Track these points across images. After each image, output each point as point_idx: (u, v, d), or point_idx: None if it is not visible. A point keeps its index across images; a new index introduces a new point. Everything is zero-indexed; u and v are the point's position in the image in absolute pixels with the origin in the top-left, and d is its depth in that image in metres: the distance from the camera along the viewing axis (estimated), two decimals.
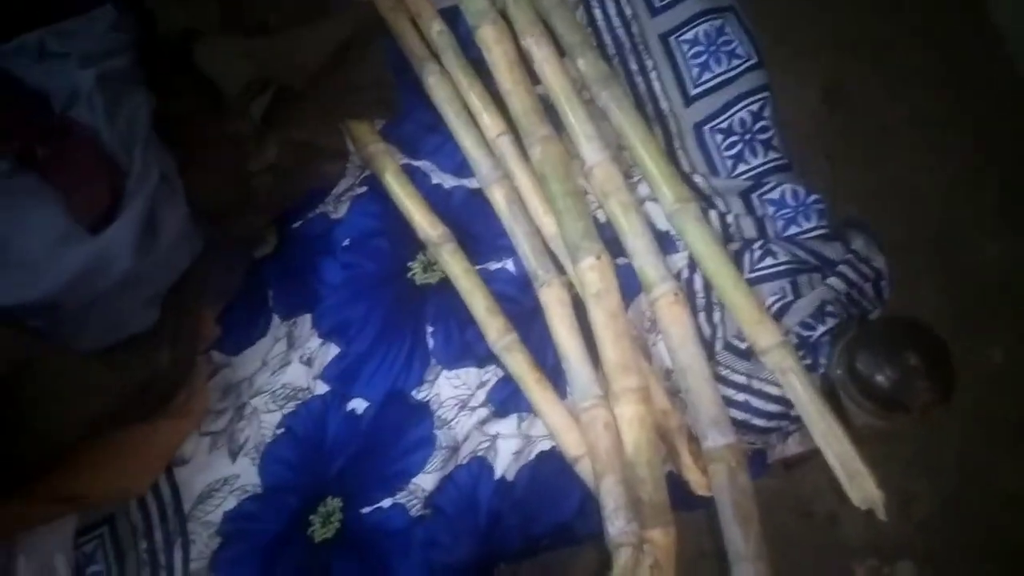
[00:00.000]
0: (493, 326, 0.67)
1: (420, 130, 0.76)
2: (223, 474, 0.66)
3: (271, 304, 0.72)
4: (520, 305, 0.69)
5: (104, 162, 0.63)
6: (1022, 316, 1.16)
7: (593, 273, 0.63)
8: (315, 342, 0.69)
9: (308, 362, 0.69)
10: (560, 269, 0.69)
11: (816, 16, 1.28)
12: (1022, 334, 1.14)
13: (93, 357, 0.61)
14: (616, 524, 0.55)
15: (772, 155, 0.67)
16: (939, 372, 0.56)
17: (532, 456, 0.65)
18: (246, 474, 0.65)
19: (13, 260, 0.60)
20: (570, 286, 0.68)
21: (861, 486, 0.56)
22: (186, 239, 0.65)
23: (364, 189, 0.74)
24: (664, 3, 0.72)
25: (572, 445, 0.63)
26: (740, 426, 0.62)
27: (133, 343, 0.63)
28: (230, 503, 0.65)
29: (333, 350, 0.69)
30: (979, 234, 1.19)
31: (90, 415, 0.60)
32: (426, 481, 0.64)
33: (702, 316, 0.65)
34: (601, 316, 0.62)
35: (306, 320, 0.70)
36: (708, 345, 0.64)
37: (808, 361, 0.60)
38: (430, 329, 0.69)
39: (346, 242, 0.72)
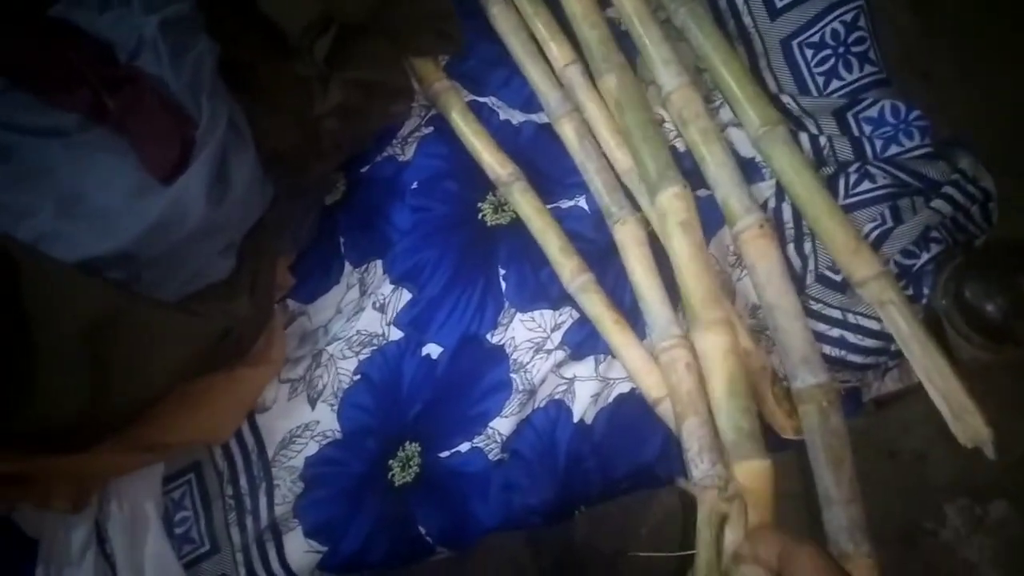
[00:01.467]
0: (567, 266, 0.65)
1: (485, 65, 0.73)
2: (303, 420, 0.66)
3: (343, 251, 0.72)
4: (595, 244, 0.67)
5: (172, 112, 0.62)
6: None
7: (679, 202, 0.59)
8: (387, 288, 0.68)
9: (381, 308, 0.68)
10: (635, 206, 0.66)
11: None
12: None
13: (174, 307, 0.62)
14: (700, 467, 0.53)
15: (869, 69, 0.61)
16: None
17: (611, 399, 0.63)
18: (326, 420, 0.66)
19: (91, 213, 0.61)
20: (646, 223, 0.65)
21: (969, 424, 0.52)
22: (257, 187, 0.65)
23: (430, 129, 0.72)
24: None
25: (652, 387, 0.61)
26: (835, 363, 0.59)
27: (211, 292, 0.64)
28: (311, 448, 0.65)
29: (405, 296, 0.68)
30: None
31: (174, 364, 0.61)
32: (503, 425, 0.63)
33: (791, 248, 0.61)
34: (687, 247, 0.59)
35: (378, 266, 0.70)
36: (799, 278, 0.60)
37: (910, 292, 0.56)
38: (503, 271, 0.67)
39: (414, 185, 0.70)
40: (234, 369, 0.65)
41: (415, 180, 0.70)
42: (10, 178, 0.62)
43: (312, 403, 0.66)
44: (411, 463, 0.64)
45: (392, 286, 0.68)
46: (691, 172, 0.62)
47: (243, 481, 0.66)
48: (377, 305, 0.68)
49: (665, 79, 0.63)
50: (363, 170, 0.73)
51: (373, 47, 0.68)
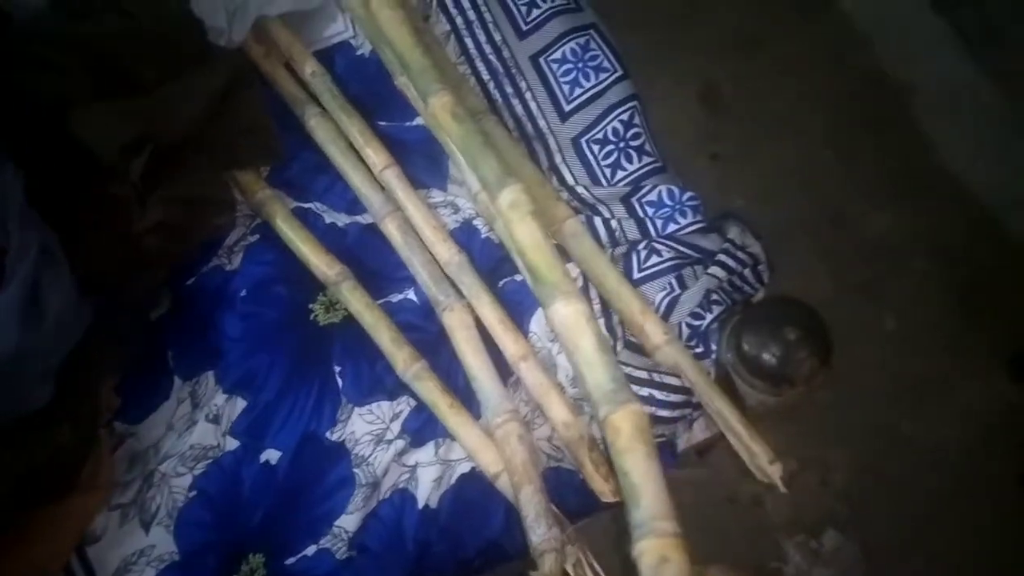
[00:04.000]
0: (400, 356, 0.68)
1: (308, 172, 0.77)
2: (138, 546, 0.64)
3: (171, 365, 0.71)
4: (425, 332, 0.70)
5: None
6: (906, 280, 1.23)
7: (523, 195, 0.59)
8: (220, 398, 0.68)
9: (215, 419, 0.67)
10: (460, 294, 0.70)
11: (685, 19, 1.34)
12: (909, 297, 1.22)
13: None
14: (538, 532, 0.56)
15: (646, 159, 0.71)
16: (816, 341, 0.60)
17: (453, 480, 0.65)
18: (162, 543, 0.63)
19: None
20: (471, 310, 0.70)
21: (759, 463, 0.59)
22: (75, 310, 0.63)
23: (256, 237, 0.74)
24: (530, 26, 0.75)
25: (490, 463, 0.64)
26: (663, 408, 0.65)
27: (31, 422, 0.61)
28: (148, 572, 0.63)
29: (240, 404, 0.68)
30: (862, 210, 1.26)
31: None
32: (349, 522, 0.63)
33: (601, 322, 0.67)
34: (536, 232, 0.58)
35: (209, 377, 0.69)
36: (616, 334, 0.66)
37: (700, 349, 0.63)
38: (338, 368, 0.69)
39: (243, 292, 0.71)
40: (60, 500, 0.62)
41: (243, 287, 0.72)
42: None
43: (146, 527, 0.64)
44: (256, 575, 0.63)
45: (225, 396, 0.68)
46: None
47: None
48: (211, 417, 0.67)
49: (471, 181, 0.70)
50: (189, 282, 0.73)
51: (192, 163, 0.70)
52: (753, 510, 1.18)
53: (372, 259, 0.74)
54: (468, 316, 0.69)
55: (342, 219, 0.75)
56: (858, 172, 1.30)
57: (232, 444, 0.66)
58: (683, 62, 1.31)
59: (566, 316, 0.55)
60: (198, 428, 0.67)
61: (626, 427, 0.49)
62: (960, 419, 1.18)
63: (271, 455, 0.65)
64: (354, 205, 0.76)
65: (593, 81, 0.73)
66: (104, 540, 0.64)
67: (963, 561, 1.10)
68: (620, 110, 0.72)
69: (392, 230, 0.73)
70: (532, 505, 0.58)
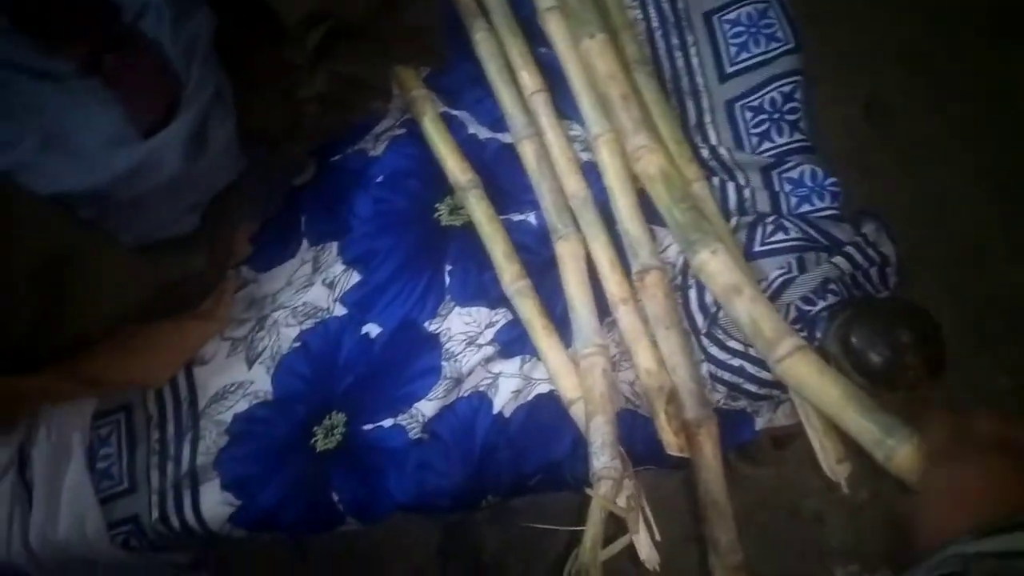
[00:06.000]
0: (509, 270, 0.70)
1: (462, 81, 0.79)
2: (238, 378, 0.70)
3: (303, 229, 0.76)
4: (537, 256, 0.72)
5: (164, 73, 0.67)
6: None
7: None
8: (339, 267, 0.73)
9: (330, 285, 0.72)
10: (578, 227, 0.72)
11: (858, 28, 1.29)
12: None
13: (133, 251, 0.65)
14: (601, 459, 0.58)
15: (797, 136, 0.69)
16: (929, 350, 0.58)
17: (530, 396, 0.68)
18: (260, 381, 0.69)
19: (71, 151, 0.65)
20: (584, 243, 0.71)
21: (829, 460, 0.59)
22: (232, 154, 0.69)
23: (403, 131, 0.78)
24: None
25: (569, 389, 0.66)
26: (732, 388, 0.65)
27: (172, 245, 0.68)
28: (241, 406, 0.69)
29: (355, 277, 0.72)
30: (1004, 257, 1.19)
31: (125, 305, 0.64)
32: (427, 407, 0.67)
33: (693, 294, 0.67)
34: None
35: (333, 247, 0.74)
36: (710, 311, 0.66)
37: (804, 334, 0.62)
38: (448, 267, 0.72)
39: (380, 178, 0.75)
40: (180, 320, 0.69)
41: (381, 174, 0.76)
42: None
43: (249, 363, 0.70)
44: (335, 432, 0.68)
45: (344, 266, 0.73)
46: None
47: (170, 428, 0.69)
48: (327, 282, 0.72)
49: (593, 123, 0.70)
50: (334, 158, 0.78)
51: (361, 47, 0.74)
52: (812, 526, 1.15)
53: (503, 176, 0.76)
54: (581, 248, 0.70)
55: (484, 132, 0.78)
56: (1008, 216, 1.22)
57: (340, 310, 0.71)
58: (849, 70, 1.26)
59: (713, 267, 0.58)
60: (314, 289, 0.72)
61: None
62: None
63: (371, 328, 0.70)
64: (498, 123, 0.78)
65: (762, 48, 0.72)
66: (210, 365, 0.71)
67: None
68: (783, 82, 0.70)
69: (528, 152, 0.75)
70: (601, 433, 0.60)
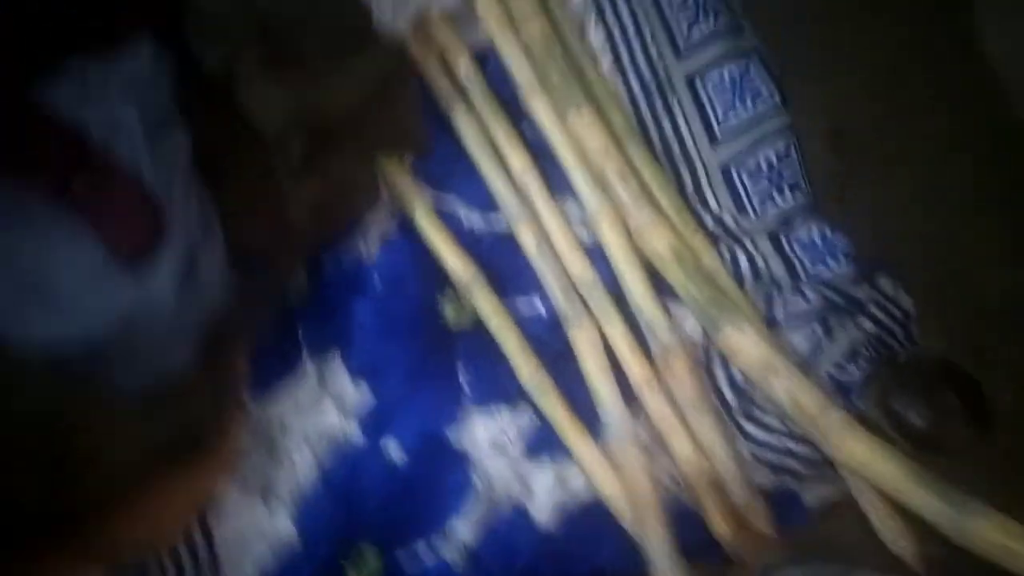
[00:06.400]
0: (525, 365, 0.68)
1: (447, 161, 0.76)
2: (256, 519, 0.65)
3: (301, 342, 0.72)
4: (551, 346, 0.70)
5: (143, 197, 0.62)
6: None
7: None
8: (346, 382, 0.69)
9: (340, 403, 0.68)
10: (589, 310, 0.70)
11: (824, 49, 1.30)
12: None
13: (134, 405, 0.60)
14: (659, 567, 0.55)
15: (799, 196, 0.68)
16: (976, 413, 0.57)
17: (569, 500, 0.65)
18: (279, 519, 0.65)
19: (53, 297, 0.60)
20: (599, 328, 0.69)
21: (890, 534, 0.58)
22: (224, 278, 0.65)
23: (394, 228, 0.75)
24: (689, 46, 0.73)
25: (609, 486, 0.63)
26: (777, 469, 0.63)
27: (171, 387, 0.63)
28: (262, 548, 0.64)
29: (365, 390, 0.68)
30: (990, 269, 1.19)
31: (128, 467, 0.59)
32: (463, 526, 0.64)
33: (720, 372, 0.65)
34: None
35: (336, 359, 0.70)
36: (740, 387, 0.65)
37: (842, 403, 0.61)
38: (462, 368, 0.69)
39: (378, 283, 0.72)
40: (187, 466, 0.64)
41: (379, 278, 0.72)
42: None
43: (266, 501, 0.66)
44: (367, 566, 0.64)
45: (351, 380, 0.69)
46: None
47: None
48: (337, 400, 0.69)
49: (591, 200, 0.69)
50: (325, 263, 0.75)
51: (346, 147, 0.71)
52: None
53: (503, 262, 0.74)
54: (597, 334, 0.68)
55: (476, 214, 0.75)
56: (992, 230, 1.24)
57: (356, 431, 0.67)
58: (813, 95, 1.27)
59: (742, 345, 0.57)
60: (324, 409, 0.68)
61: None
62: None
63: (393, 447, 0.66)
64: (490, 203, 0.75)
65: (750, 108, 0.71)
66: (223, 509, 0.66)
67: None
68: (775, 141, 0.70)
69: (526, 237, 0.73)
70: (654, 539, 0.57)
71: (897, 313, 0.63)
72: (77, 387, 0.58)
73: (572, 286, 0.71)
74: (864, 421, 0.60)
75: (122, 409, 0.60)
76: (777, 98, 0.71)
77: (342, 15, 0.70)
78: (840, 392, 0.61)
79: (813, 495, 0.65)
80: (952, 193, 1.25)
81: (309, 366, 0.71)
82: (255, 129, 0.67)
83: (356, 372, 0.69)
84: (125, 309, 0.59)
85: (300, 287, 0.74)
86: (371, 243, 0.75)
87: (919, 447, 0.59)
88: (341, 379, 0.69)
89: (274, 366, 0.72)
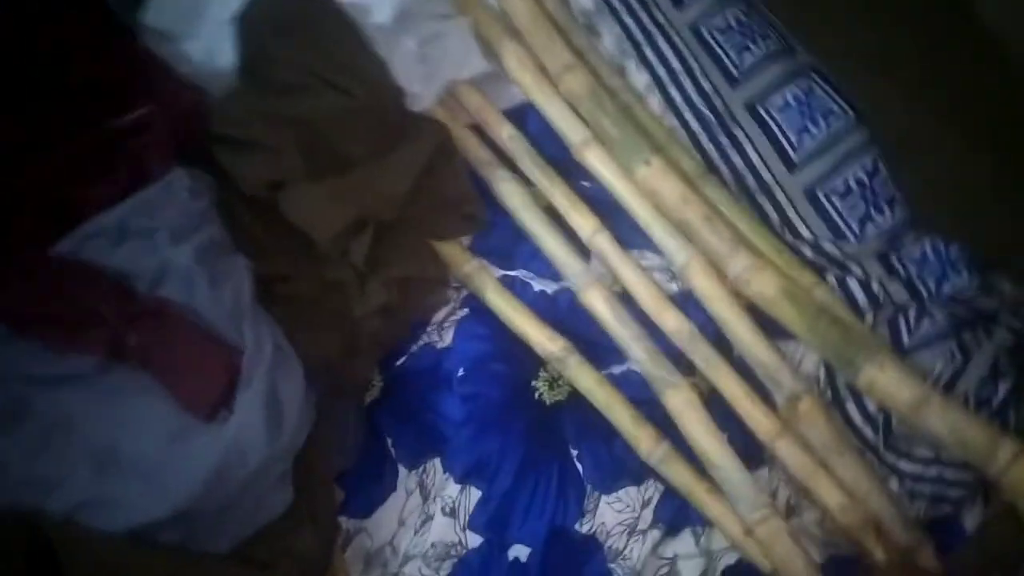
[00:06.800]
0: (643, 437, 0.63)
1: (509, 237, 0.72)
2: None
3: (393, 453, 0.67)
4: (656, 406, 0.65)
5: (210, 341, 0.57)
6: None
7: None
8: (453, 488, 0.64)
9: (451, 512, 0.63)
10: (681, 369, 0.65)
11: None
12: None
13: (236, 562, 0.55)
14: None
15: (899, 210, 0.65)
16: None
17: (718, 573, 0.60)
18: None
19: (132, 469, 0.54)
20: (697, 386, 0.64)
21: None
22: (307, 402, 0.60)
23: (466, 311, 0.70)
24: (743, 73, 0.70)
25: (761, 553, 0.59)
26: (934, 500, 0.59)
27: (271, 530, 0.58)
28: None
29: (475, 494, 0.63)
30: None
31: None
32: None
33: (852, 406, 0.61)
34: None
35: (436, 465, 0.65)
36: (876, 421, 0.60)
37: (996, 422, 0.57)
38: (575, 451, 0.64)
39: (460, 372, 0.67)
40: None
41: (460, 366, 0.68)
42: (31, 440, 0.55)
43: None
44: None
45: (458, 485, 0.64)
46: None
47: None
48: (446, 510, 0.63)
49: (677, 252, 0.65)
50: (399, 362, 0.70)
51: (404, 241, 0.67)
52: None
53: (587, 327, 0.69)
54: (694, 394, 0.63)
55: (551, 286, 0.71)
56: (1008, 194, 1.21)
57: (475, 540, 0.62)
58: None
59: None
60: (435, 523, 0.63)
61: None
62: None
63: (519, 551, 0.61)
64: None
65: (823, 128, 0.67)
66: None
67: None
68: (860, 157, 0.66)
69: (596, 301, 0.67)
70: None
71: None
72: (170, 561, 0.52)
73: (655, 347, 0.65)
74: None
75: (226, 571, 0.55)
76: (851, 113, 0.68)
77: (379, 108, 0.66)
78: (992, 414, 0.57)
79: (972, 516, 0.61)
80: (967, 159, 1.23)
81: (409, 479, 0.65)
82: (311, 239, 0.63)
83: (461, 476, 0.64)
84: (213, 466, 0.53)
85: (376, 389, 0.69)
86: (444, 330, 0.70)
87: None
88: (447, 486, 0.64)
89: (370, 485, 0.66)
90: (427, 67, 0.70)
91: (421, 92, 0.71)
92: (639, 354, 0.66)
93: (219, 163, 0.63)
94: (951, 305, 0.60)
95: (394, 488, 0.66)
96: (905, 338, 0.60)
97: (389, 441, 0.67)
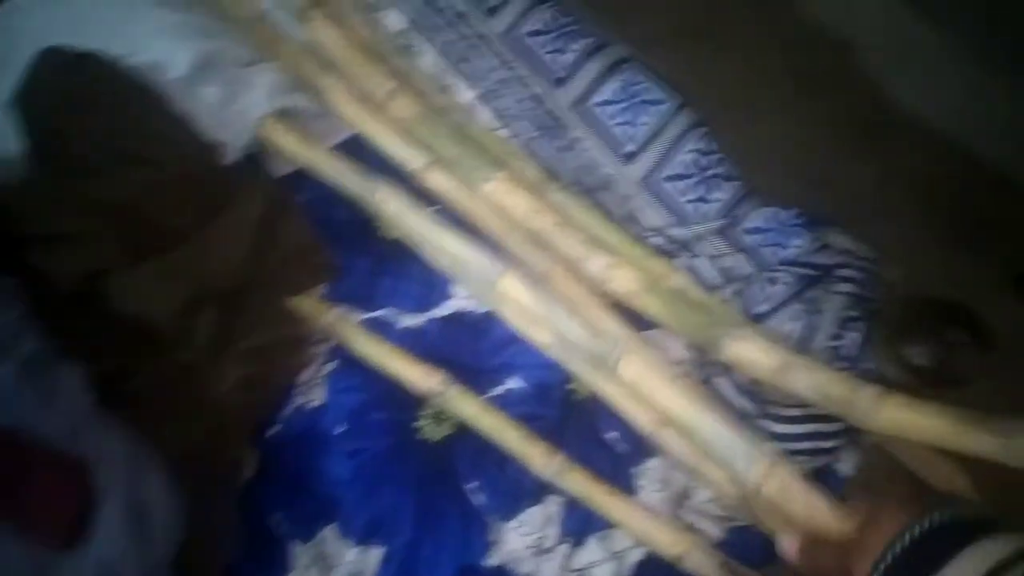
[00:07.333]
0: (535, 454, 0.62)
1: (367, 278, 0.70)
2: None
3: (282, 530, 0.63)
4: (545, 419, 0.65)
5: (51, 463, 0.52)
6: (898, 227, 1.20)
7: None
8: (353, 552, 0.61)
9: None
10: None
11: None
12: (907, 244, 1.16)
13: None
14: None
15: (734, 185, 0.67)
16: (979, 336, 0.58)
17: (631, 571, 0.61)
18: None
19: None
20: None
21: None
22: (176, 503, 0.55)
23: (335, 364, 0.67)
24: (564, 74, 0.70)
25: (669, 543, 0.60)
26: (811, 454, 0.61)
27: None
28: None
29: (377, 553, 0.61)
30: (841, 167, 1.23)
31: None
32: None
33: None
34: None
35: (332, 532, 0.62)
36: (751, 391, 0.63)
37: (851, 368, 0.60)
38: (470, 485, 0.63)
39: (339, 428, 0.64)
40: None
41: (337, 423, 0.64)
42: None
43: None
44: None
45: (358, 548, 0.61)
46: None
47: None
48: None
49: (536, 262, 0.64)
50: (271, 432, 0.66)
51: (254, 306, 0.63)
52: None
53: (461, 353, 0.68)
54: (646, 351, 0.62)
55: (416, 319, 0.69)
56: (827, 133, 1.30)
57: None
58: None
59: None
60: None
61: None
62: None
63: None
64: (425, 300, 0.69)
65: (650, 115, 0.69)
66: None
67: None
68: (690, 139, 0.68)
69: (516, 288, 0.63)
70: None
71: (863, 263, 0.63)
72: None
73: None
74: (881, 381, 0.60)
75: None
76: (675, 98, 0.69)
77: (194, 173, 0.61)
78: (845, 359, 0.60)
79: (847, 465, 0.64)
80: (786, 115, 1.31)
81: (303, 555, 0.62)
82: (148, 326, 0.58)
83: (360, 537, 0.61)
84: None
85: (251, 469, 0.64)
86: (315, 389, 0.66)
87: (936, 385, 0.59)
88: (346, 551, 0.61)
89: (261, 571, 0.62)
90: (233, 113, 0.66)
91: (233, 141, 0.67)
92: (576, 331, 0.62)
93: (27, 263, 0.57)
94: (793, 267, 0.63)
95: (290, 568, 0.62)
96: (757, 307, 0.62)
97: (276, 519, 0.63)
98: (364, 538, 0.61)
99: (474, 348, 0.68)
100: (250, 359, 0.60)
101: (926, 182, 1.26)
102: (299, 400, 0.66)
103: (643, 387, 0.59)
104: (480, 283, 0.65)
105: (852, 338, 0.61)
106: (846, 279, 0.62)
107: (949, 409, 0.54)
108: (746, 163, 1.22)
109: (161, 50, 0.64)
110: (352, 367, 0.66)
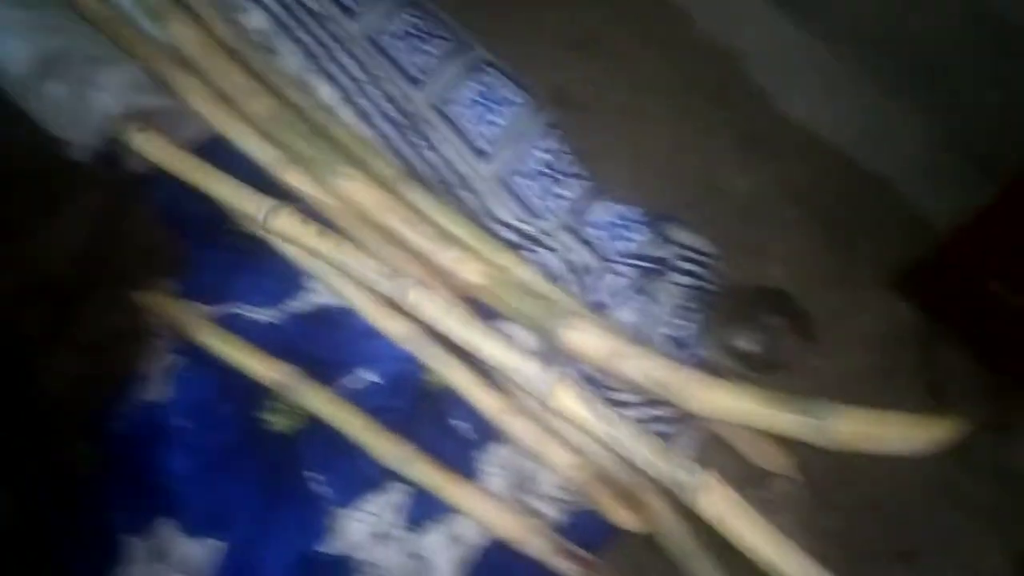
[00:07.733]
0: (380, 443, 0.63)
1: (222, 273, 0.69)
2: None
3: (117, 525, 0.61)
4: (396, 411, 0.65)
5: None
6: (782, 230, 1.25)
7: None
8: (189, 546, 0.60)
9: (195, 572, 0.59)
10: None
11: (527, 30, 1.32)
12: (790, 246, 1.22)
13: None
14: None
15: (582, 183, 0.69)
16: (797, 321, 0.61)
17: (472, 555, 0.61)
18: None
19: None
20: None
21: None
22: None
23: (182, 358, 0.66)
24: (424, 75, 0.72)
25: (509, 527, 0.61)
26: (655, 421, 0.64)
27: None
28: None
29: (214, 545, 0.60)
30: (728, 175, 1.27)
31: None
32: None
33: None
34: None
35: (167, 526, 0.61)
36: (591, 377, 0.64)
37: (689, 355, 0.63)
38: (313, 474, 0.63)
39: (184, 422, 0.63)
40: None
41: (181, 417, 0.64)
42: None
43: None
44: None
45: (195, 542, 0.60)
46: None
47: None
48: (188, 570, 0.59)
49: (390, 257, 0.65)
50: (112, 427, 0.64)
51: (95, 299, 0.62)
52: None
53: (315, 347, 0.68)
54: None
55: (271, 314, 0.69)
56: (715, 142, 1.33)
57: None
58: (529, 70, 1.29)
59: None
60: None
61: None
62: (860, 345, 1.21)
63: None
64: (280, 296, 0.69)
65: (506, 116, 0.71)
66: None
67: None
68: (542, 139, 0.70)
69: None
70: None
71: (700, 257, 0.66)
72: None
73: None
74: (710, 367, 0.63)
75: None
76: (528, 100, 0.71)
77: (32, 165, 0.60)
78: (680, 347, 0.63)
79: (683, 444, 0.67)
80: (679, 124, 1.34)
81: (140, 549, 0.60)
82: None
83: (195, 530, 0.60)
84: None
85: (87, 463, 0.63)
86: (159, 384, 0.65)
87: (761, 370, 0.62)
88: (181, 545, 0.60)
89: (96, 566, 0.60)
90: (81, 111, 0.65)
91: (81, 138, 0.66)
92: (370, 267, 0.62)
93: None
94: (632, 259, 0.65)
95: (120, 562, 0.60)
96: (600, 297, 0.65)
97: (112, 516, 0.62)
98: (202, 531, 0.60)
99: (330, 341, 0.68)
100: (84, 351, 0.59)
101: (810, 190, 1.31)
102: (143, 396, 0.65)
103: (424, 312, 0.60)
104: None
105: (688, 328, 0.63)
106: (683, 271, 0.65)
107: (765, 393, 0.56)
108: (640, 169, 1.26)
109: (2, 48, 0.64)
110: (200, 362, 0.66)
